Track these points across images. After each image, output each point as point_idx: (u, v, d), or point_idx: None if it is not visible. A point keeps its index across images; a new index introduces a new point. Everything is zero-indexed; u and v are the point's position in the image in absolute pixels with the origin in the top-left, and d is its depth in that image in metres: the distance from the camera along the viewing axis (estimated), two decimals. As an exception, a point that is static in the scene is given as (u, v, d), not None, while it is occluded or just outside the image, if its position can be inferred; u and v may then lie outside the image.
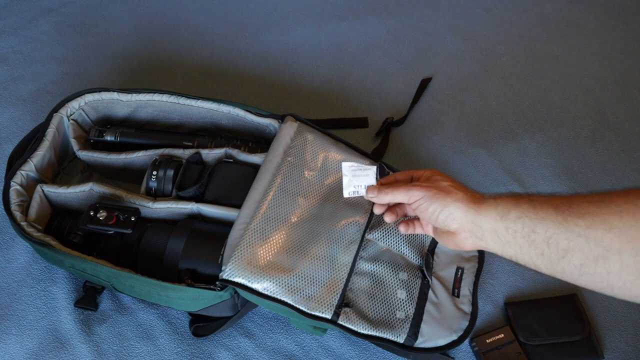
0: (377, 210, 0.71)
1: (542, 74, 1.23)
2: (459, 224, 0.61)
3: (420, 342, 0.75)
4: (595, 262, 0.49)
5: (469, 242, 0.62)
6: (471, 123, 1.12)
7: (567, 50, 1.29)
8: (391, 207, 0.71)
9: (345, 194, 0.70)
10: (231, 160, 0.88)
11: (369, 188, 0.69)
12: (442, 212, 0.61)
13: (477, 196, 0.61)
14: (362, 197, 0.71)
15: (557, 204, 0.53)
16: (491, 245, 0.59)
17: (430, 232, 0.70)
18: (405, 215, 0.73)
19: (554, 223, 0.52)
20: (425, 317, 0.77)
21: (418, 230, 0.72)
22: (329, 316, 0.73)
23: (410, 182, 0.68)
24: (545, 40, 1.31)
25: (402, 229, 0.72)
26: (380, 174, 0.86)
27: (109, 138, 0.94)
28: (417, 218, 0.71)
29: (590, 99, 1.18)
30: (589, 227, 0.49)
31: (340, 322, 0.73)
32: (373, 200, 0.69)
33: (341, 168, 0.71)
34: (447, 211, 0.61)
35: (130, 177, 0.93)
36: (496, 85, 1.20)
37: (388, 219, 0.70)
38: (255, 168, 0.85)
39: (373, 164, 0.70)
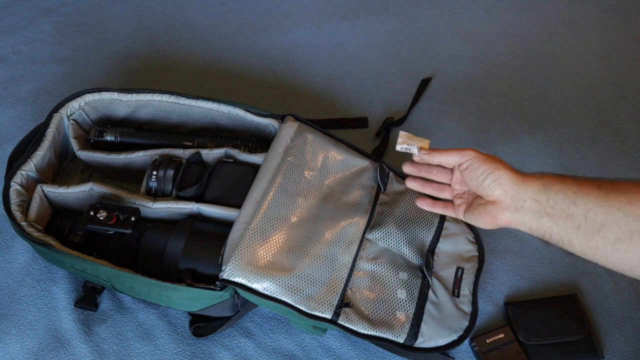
0: (412, 184, 0.73)
1: (542, 74, 1.23)
2: (502, 191, 0.62)
3: (420, 342, 0.75)
4: (630, 238, 0.51)
5: (505, 215, 0.62)
6: (471, 123, 1.12)
7: (567, 50, 1.29)
8: (427, 182, 0.72)
9: (398, 148, 0.72)
10: (231, 160, 0.88)
11: (421, 148, 0.71)
12: (491, 174, 0.62)
13: (523, 172, 0.63)
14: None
15: (601, 182, 0.55)
16: (528, 218, 0.60)
17: (460, 213, 0.70)
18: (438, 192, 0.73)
19: (595, 198, 0.54)
20: (425, 317, 0.77)
21: (449, 212, 0.71)
22: (329, 316, 0.73)
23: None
24: (545, 40, 1.31)
25: (422, 204, 0.72)
26: (380, 173, 0.86)
27: (109, 138, 0.94)
28: (449, 201, 0.71)
29: (590, 99, 1.18)
30: (630, 202, 0.51)
31: (340, 322, 0.73)
32: (425, 158, 0.70)
33: (398, 133, 0.74)
34: (497, 174, 0.62)
35: (130, 177, 0.93)
36: (496, 85, 1.20)
37: (411, 184, 0.72)
38: (255, 168, 0.85)
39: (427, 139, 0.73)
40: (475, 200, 0.67)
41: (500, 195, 0.62)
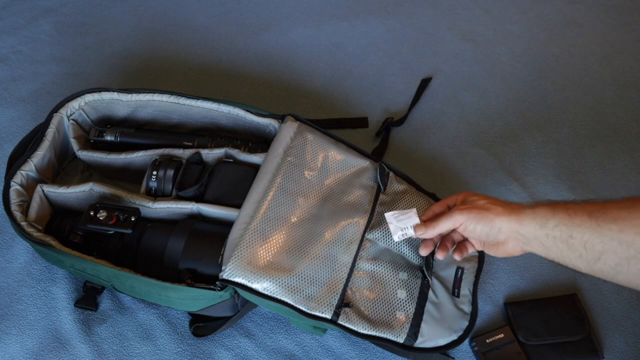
0: (424, 252, 0.74)
1: (542, 74, 1.23)
2: (505, 235, 0.65)
3: (420, 342, 0.75)
4: (628, 263, 0.54)
5: (517, 249, 0.66)
6: (471, 123, 1.12)
7: (567, 50, 1.29)
8: (441, 244, 0.74)
9: (396, 239, 0.73)
10: (231, 160, 0.88)
11: (416, 227, 0.72)
12: (490, 229, 0.66)
13: (515, 207, 0.65)
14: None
15: (591, 210, 0.57)
16: (536, 249, 0.64)
17: (480, 248, 0.73)
18: (454, 243, 0.74)
19: (588, 229, 0.56)
20: (425, 317, 0.77)
21: (470, 250, 0.74)
22: (329, 316, 0.73)
23: (448, 210, 0.71)
24: (545, 40, 1.31)
25: (457, 257, 0.73)
26: (380, 173, 0.86)
27: (109, 138, 0.94)
28: (465, 240, 0.74)
29: (590, 99, 1.18)
30: (621, 231, 0.54)
31: (340, 322, 0.73)
32: (423, 236, 0.72)
33: (385, 219, 0.75)
34: (495, 227, 0.65)
35: (130, 177, 0.93)
36: (496, 85, 1.20)
37: (440, 256, 0.73)
38: (255, 168, 0.85)
39: (411, 208, 0.75)
40: (486, 243, 0.71)
41: (506, 239, 0.66)
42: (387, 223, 0.74)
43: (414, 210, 0.74)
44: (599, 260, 0.56)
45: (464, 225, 0.67)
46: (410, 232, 0.72)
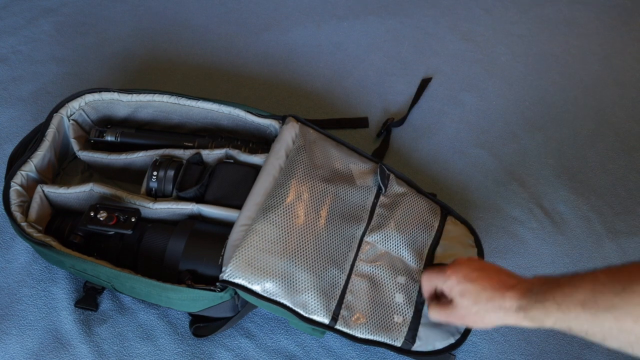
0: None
1: (542, 74, 1.23)
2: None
3: (418, 346, 0.75)
4: (631, 347, 0.54)
5: None
6: (471, 123, 1.12)
7: (567, 50, 1.29)
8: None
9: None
10: (231, 160, 0.88)
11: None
12: (485, 327, 0.67)
13: (507, 308, 0.63)
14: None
15: (582, 300, 0.56)
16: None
17: None
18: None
19: (585, 321, 0.56)
20: (423, 320, 0.77)
21: None
22: (326, 321, 0.73)
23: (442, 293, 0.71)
24: (545, 40, 1.31)
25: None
26: (381, 174, 0.86)
27: (109, 138, 0.94)
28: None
29: (590, 99, 1.18)
30: (618, 320, 0.53)
31: (337, 327, 0.73)
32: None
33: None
34: (489, 326, 0.66)
35: (130, 177, 0.93)
36: (496, 85, 1.20)
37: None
38: (255, 169, 0.84)
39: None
40: None
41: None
42: (386, 226, 0.74)
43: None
44: (604, 341, 0.56)
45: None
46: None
